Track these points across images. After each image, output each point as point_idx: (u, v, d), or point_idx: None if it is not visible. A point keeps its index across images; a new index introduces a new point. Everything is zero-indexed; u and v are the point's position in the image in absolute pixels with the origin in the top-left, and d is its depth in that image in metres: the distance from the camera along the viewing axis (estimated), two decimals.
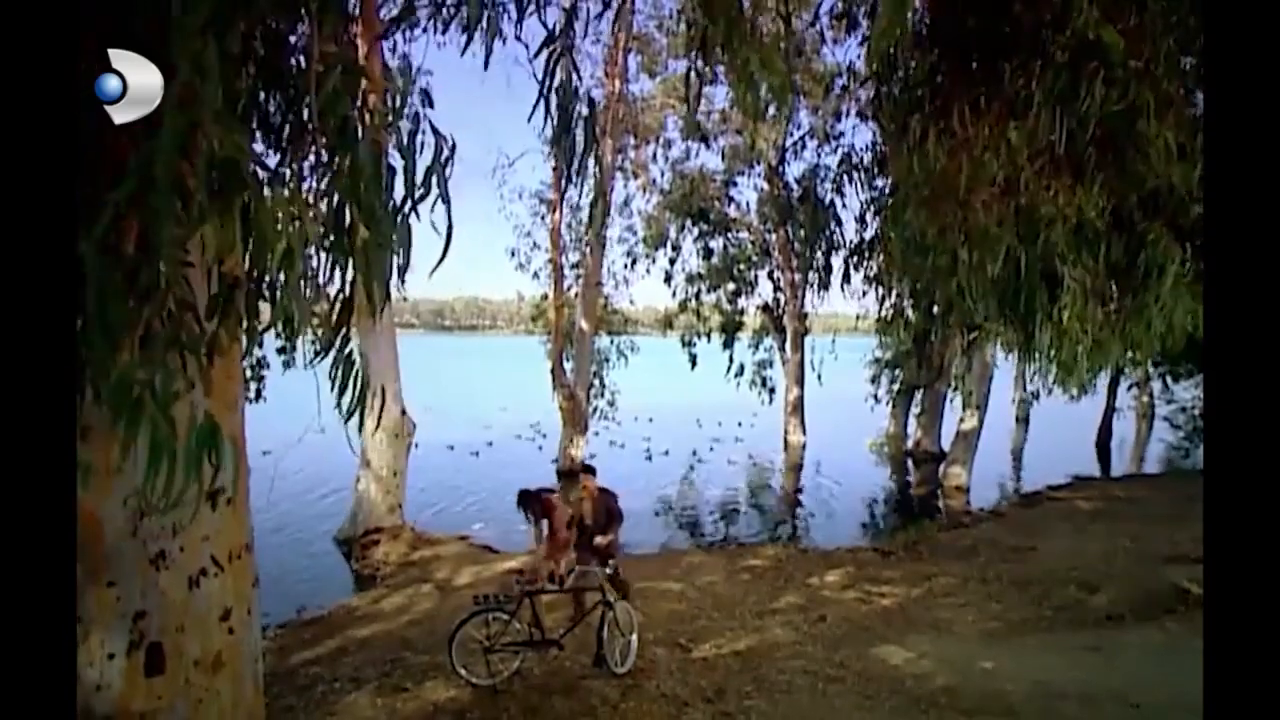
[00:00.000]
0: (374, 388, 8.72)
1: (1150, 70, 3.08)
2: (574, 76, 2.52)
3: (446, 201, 2.52)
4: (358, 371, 2.54)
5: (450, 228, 2.54)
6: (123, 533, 2.80)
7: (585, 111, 2.56)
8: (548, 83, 2.47)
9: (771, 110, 19.88)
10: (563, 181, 2.97)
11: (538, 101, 2.52)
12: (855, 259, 17.98)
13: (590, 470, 6.47)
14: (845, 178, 18.00)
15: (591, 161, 2.67)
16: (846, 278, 18.47)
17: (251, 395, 13.16)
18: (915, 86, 3.75)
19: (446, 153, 2.46)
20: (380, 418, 10.61)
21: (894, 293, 17.55)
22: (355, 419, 2.65)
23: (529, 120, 2.60)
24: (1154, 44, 3.10)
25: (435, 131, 2.46)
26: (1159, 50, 3.12)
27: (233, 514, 3.17)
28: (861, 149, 17.92)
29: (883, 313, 19.38)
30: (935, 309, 16.21)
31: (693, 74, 3.07)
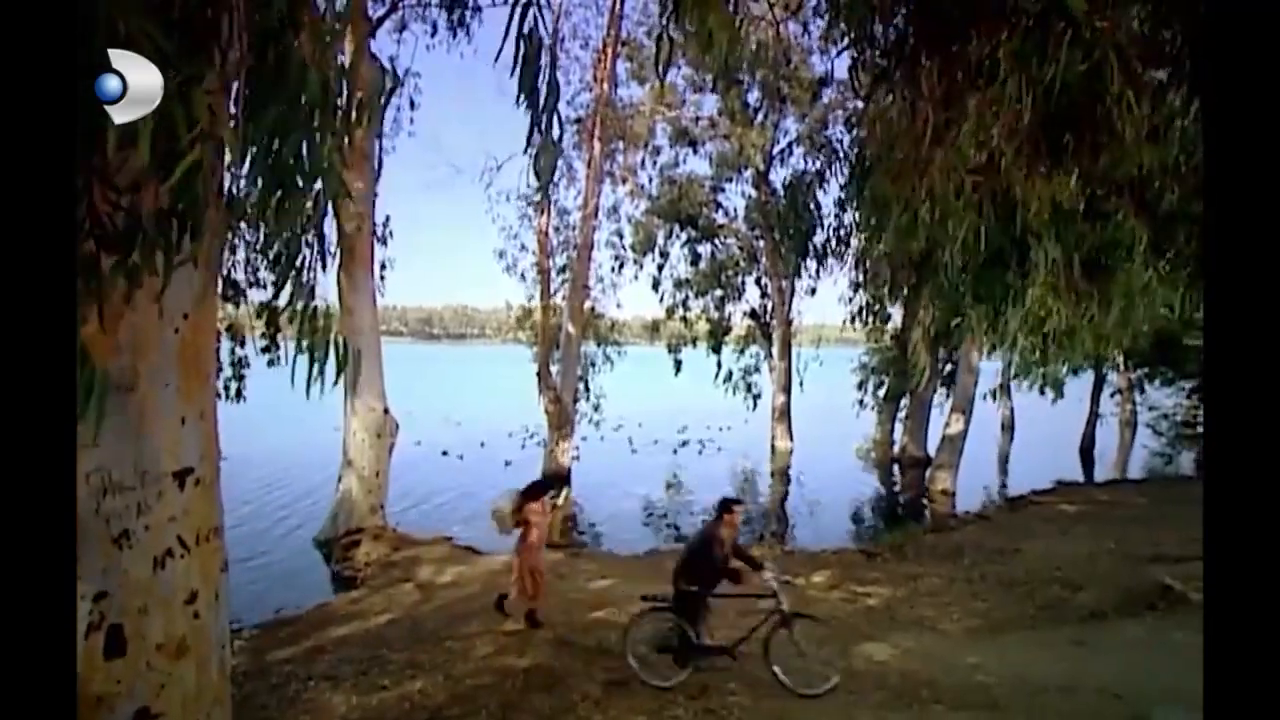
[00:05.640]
0: (354, 385, 8.56)
1: (1115, 33, 3.10)
2: (540, 26, 2.47)
3: (380, 135, 2.47)
4: (324, 318, 2.45)
5: (380, 163, 2.50)
6: (85, 510, 2.72)
7: (547, 66, 2.51)
8: (514, 30, 2.43)
9: (759, 117, 20.13)
10: (541, 173, 2.92)
11: (501, 50, 2.47)
12: (835, 244, 18.15)
13: (737, 502, 5.81)
14: (828, 167, 18.14)
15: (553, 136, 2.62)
16: (824, 261, 18.65)
17: (232, 394, 12.96)
18: (885, 54, 3.77)
19: (388, 84, 2.42)
20: (352, 406, 10.55)
21: (882, 294, 17.69)
22: (329, 385, 2.56)
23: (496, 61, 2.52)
24: (1116, 9, 3.13)
25: (375, 59, 2.42)
26: (1120, 18, 3.14)
27: (202, 495, 3.09)
28: (847, 146, 18.05)
29: (869, 318, 19.59)
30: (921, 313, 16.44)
31: (664, 39, 3.05)
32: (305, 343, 2.45)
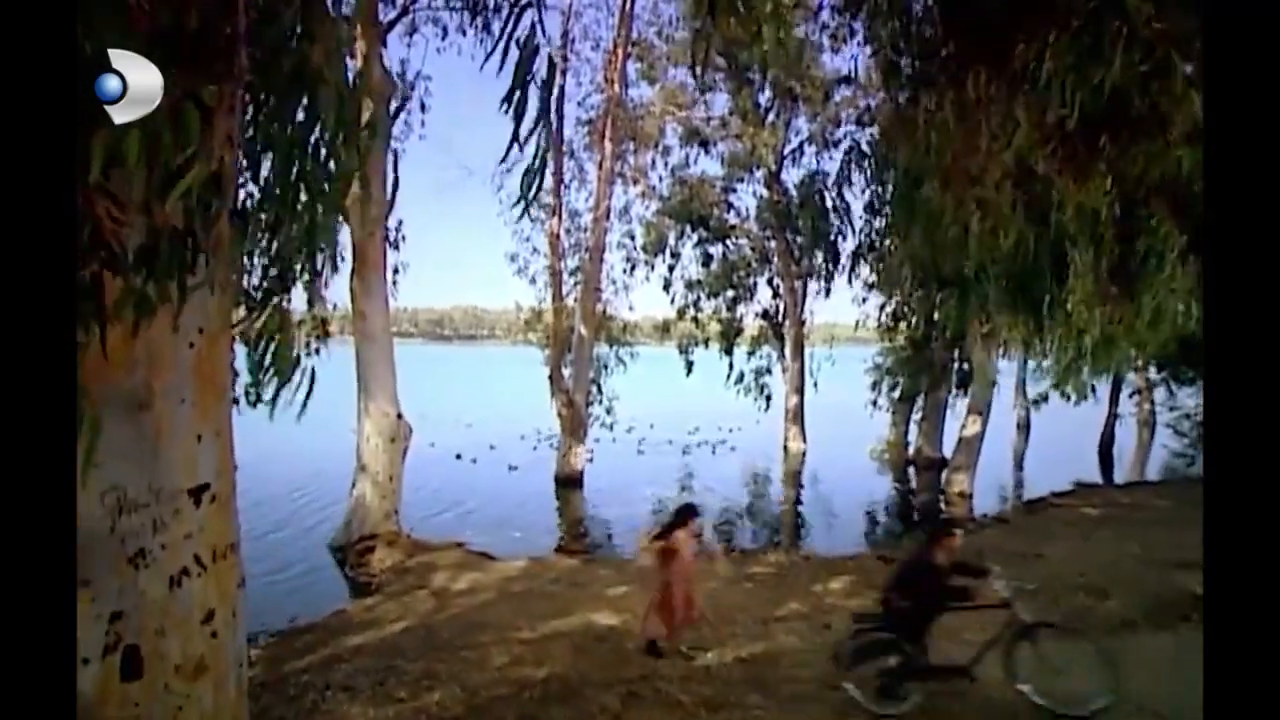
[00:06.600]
0: (367, 389, 8.55)
1: (1171, 32, 2.97)
2: (539, 30, 2.37)
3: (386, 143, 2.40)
4: (289, 341, 2.37)
5: (396, 180, 2.42)
6: (100, 529, 2.66)
7: (544, 72, 2.41)
8: (509, 31, 2.33)
9: (770, 116, 19.99)
10: (535, 168, 2.80)
11: (492, 52, 2.37)
12: (865, 251, 17.86)
13: (955, 525, 5.56)
14: (850, 170, 17.84)
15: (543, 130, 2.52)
16: (855, 269, 18.39)
17: (252, 399, 12.94)
18: (925, 58, 3.65)
19: (397, 101, 2.34)
20: (366, 409, 10.54)
21: (895, 295, 17.47)
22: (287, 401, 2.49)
23: (484, 66, 2.44)
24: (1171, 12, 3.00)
25: (386, 72, 2.34)
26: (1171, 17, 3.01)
27: (218, 511, 3.03)
28: (865, 146, 17.74)
29: (882, 319, 19.38)
30: (935, 315, 16.21)
31: (701, 36, 2.94)
32: (262, 355, 2.37)
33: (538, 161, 2.53)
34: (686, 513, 6.38)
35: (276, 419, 3.20)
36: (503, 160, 2.49)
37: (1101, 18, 2.90)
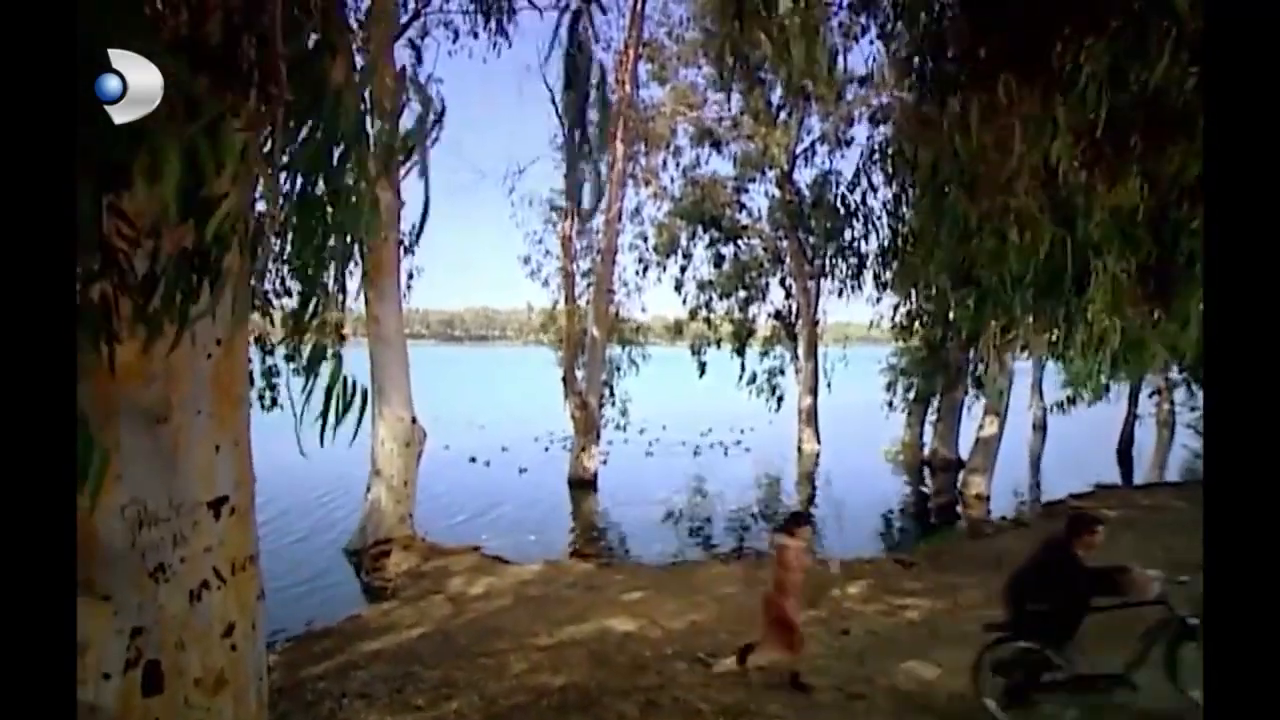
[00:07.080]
0: (381, 393, 8.54)
1: None
2: (591, 34, 2.33)
3: (424, 175, 2.36)
4: (339, 368, 2.32)
5: (427, 201, 2.39)
6: (120, 543, 2.64)
7: (595, 78, 2.36)
8: (564, 39, 2.29)
9: (782, 115, 19.87)
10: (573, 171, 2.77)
11: (549, 56, 2.33)
12: (883, 252, 17.62)
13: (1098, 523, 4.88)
14: (869, 169, 17.58)
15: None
16: (878, 275, 18.14)
17: (266, 403, 13.00)
18: (956, 60, 3.57)
19: (433, 116, 2.30)
20: (380, 412, 10.55)
21: (911, 297, 17.29)
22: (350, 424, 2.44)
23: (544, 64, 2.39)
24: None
25: (420, 88, 2.31)
26: None
27: (237, 524, 3.01)
28: (882, 145, 17.48)
29: (897, 319, 19.17)
30: (951, 315, 15.99)
31: (726, 49, 2.90)
32: (319, 387, 2.33)
33: (595, 171, 2.49)
34: (794, 523, 5.76)
35: (293, 423, 3.14)
36: (568, 171, 2.44)
37: (1146, 18, 2.81)
